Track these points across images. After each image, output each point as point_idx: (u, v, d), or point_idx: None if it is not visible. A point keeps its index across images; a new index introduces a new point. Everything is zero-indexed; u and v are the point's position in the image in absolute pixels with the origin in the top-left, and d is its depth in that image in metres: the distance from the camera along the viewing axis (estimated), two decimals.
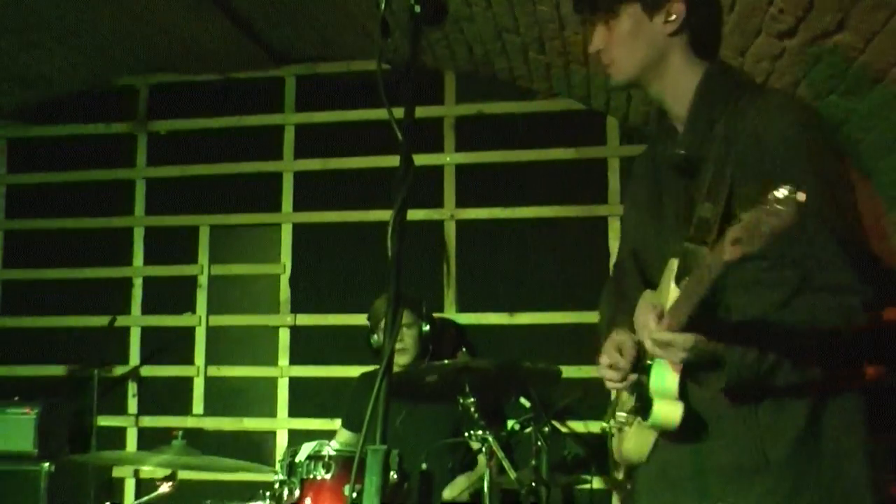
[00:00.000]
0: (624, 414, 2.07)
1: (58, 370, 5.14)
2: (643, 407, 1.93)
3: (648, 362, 1.94)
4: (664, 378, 1.89)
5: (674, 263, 1.90)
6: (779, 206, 1.42)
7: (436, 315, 4.47)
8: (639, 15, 2.02)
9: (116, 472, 5.02)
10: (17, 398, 4.73)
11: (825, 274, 1.80)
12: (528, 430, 3.59)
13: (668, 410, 1.87)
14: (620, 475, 2.22)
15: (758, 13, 2.96)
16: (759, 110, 1.93)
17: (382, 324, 3.69)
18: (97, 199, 5.32)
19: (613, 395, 2.26)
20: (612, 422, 2.19)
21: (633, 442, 2.03)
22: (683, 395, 1.89)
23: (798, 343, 1.81)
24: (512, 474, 3.41)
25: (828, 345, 1.82)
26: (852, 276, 1.81)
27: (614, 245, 4.50)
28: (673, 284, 1.86)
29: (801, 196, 1.41)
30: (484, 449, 3.33)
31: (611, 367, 2.04)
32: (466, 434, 3.42)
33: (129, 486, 5.01)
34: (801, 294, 1.81)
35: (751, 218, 1.46)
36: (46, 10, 4.29)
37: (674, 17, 1.99)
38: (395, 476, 3.13)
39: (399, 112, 1.67)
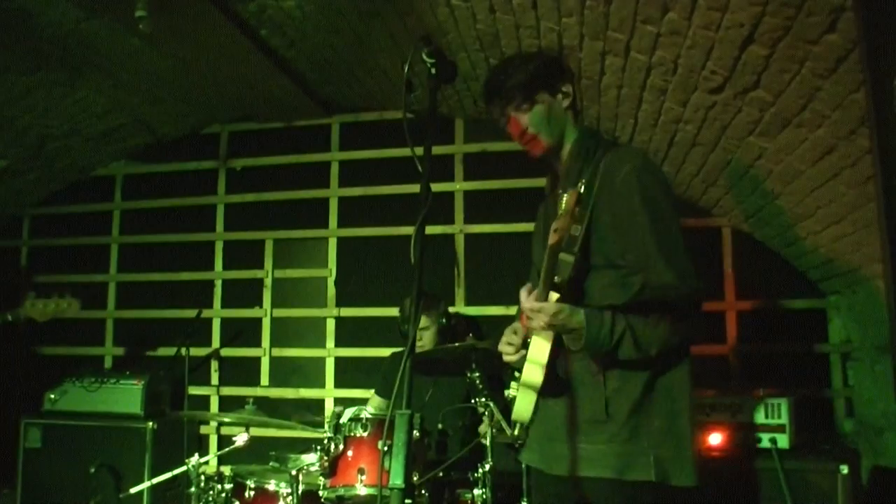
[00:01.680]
0: (515, 383, 2.14)
1: (159, 351, 5.28)
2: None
3: (528, 339, 2.05)
4: (539, 349, 1.99)
5: (545, 260, 2.02)
6: (566, 197, 1.84)
7: (449, 309, 4.51)
8: (549, 99, 2.19)
9: (203, 430, 5.14)
10: (128, 372, 4.82)
11: (656, 276, 1.98)
12: None
13: (533, 372, 1.97)
14: (517, 432, 2.26)
15: (694, 74, 3.02)
16: (612, 159, 2.12)
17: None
18: (187, 219, 5.45)
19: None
20: (510, 391, 2.23)
21: (519, 404, 2.07)
22: (552, 363, 1.99)
23: (639, 325, 1.96)
24: (509, 432, 3.39)
25: (658, 326, 1.97)
26: (674, 277, 1.97)
27: None
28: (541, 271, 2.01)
29: (581, 189, 1.84)
30: (487, 412, 3.33)
31: (508, 344, 2.17)
32: (473, 401, 3.42)
33: (213, 441, 5.12)
34: (641, 293, 1.99)
35: (560, 211, 1.84)
36: (167, 75, 4.46)
37: (567, 92, 2.21)
38: (418, 434, 3.23)
39: (420, 150, 1.80)
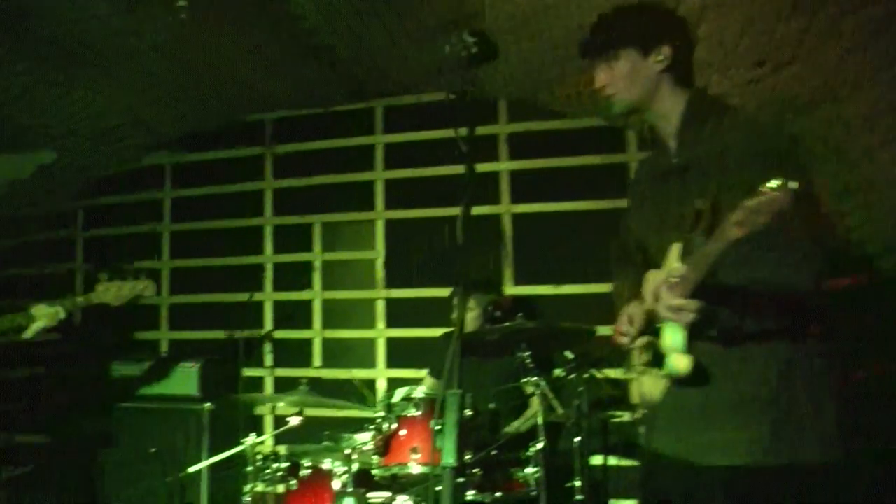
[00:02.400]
0: (640, 366, 2.08)
1: (213, 334, 5.32)
2: (658, 360, 1.97)
3: (658, 326, 1.97)
4: (674, 337, 1.90)
5: (676, 248, 1.94)
6: (776, 193, 1.52)
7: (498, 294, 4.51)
8: (636, 56, 2.05)
9: (258, 411, 5.21)
10: (184, 356, 4.92)
11: (796, 253, 1.84)
12: (571, 376, 3.55)
13: (679, 362, 1.90)
14: (641, 413, 2.26)
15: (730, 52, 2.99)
16: (737, 125, 1.97)
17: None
18: (236, 205, 5.52)
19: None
20: (631, 372, 2.21)
21: (650, 387, 2.05)
22: (689, 349, 1.90)
23: (774, 305, 1.86)
24: (560, 411, 3.55)
25: (798, 306, 1.88)
26: (817, 254, 1.85)
27: None
28: (678, 263, 1.90)
29: (794, 184, 1.52)
30: (537, 392, 3.34)
31: (622, 335, 2.10)
32: (524, 381, 3.42)
33: (268, 421, 5.19)
34: (778, 270, 1.85)
35: (752, 203, 1.54)
36: (205, 69, 4.52)
37: (662, 56, 2.04)
38: (469, 413, 3.22)
39: (463, 131, 1.80)
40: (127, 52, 4.05)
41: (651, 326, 2.03)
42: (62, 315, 3.50)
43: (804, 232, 1.85)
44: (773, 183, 1.54)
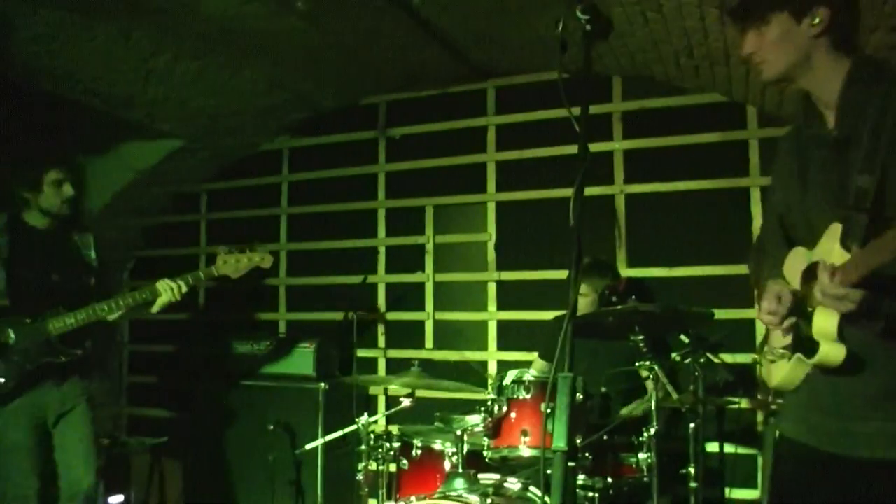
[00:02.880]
0: (780, 350, 1.98)
1: (329, 315, 5.46)
2: (806, 346, 1.86)
3: (810, 309, 1.86)
4: (827, 322, 1.79)
5: (837, 227, 1.79)
6: None
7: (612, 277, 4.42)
8: (787, 21, 1.91)
9: (371, 391, 5.30)
10: (300, 336, 5.09)
11: None
12: (687, 360, 3.53)
13: (833, 350, 1.80)
14: (769, 398, 2.19)
15: (876, 10, 2.75)
16: None
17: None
18: (350, 188, 5.60)
19: (764, 333, 2.17)
20: (766, 356, 2.10)
21: (787, 373, 1.95)
22: (841, 336, 1.79)
23: None
24: (674, 396, 3.48)
25: None
26: None
27: (755, 210, 4.41)
28: (838, 245, 1.76)
29: None
30: (651, 376, 3.30)
31: (769, 313, 1.96)
32: (637, 364, 3.41)
33: (381, 401, 5.28)
34: None
35: None
36: (321, 51, 4.58)
37: (818, 20, 1.88)
38: (581, 397, 3.20)
39: (577, 110, 1.76)
40: (286, 31, 4.21)
41: (798, 308, 1.93)
42: (185, 289, 3.70)
43: None
44: None
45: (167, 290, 3.66)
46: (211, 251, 5.75)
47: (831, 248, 1.78)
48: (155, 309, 3.73)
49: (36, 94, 4.56)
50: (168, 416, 6.04)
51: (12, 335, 3.51)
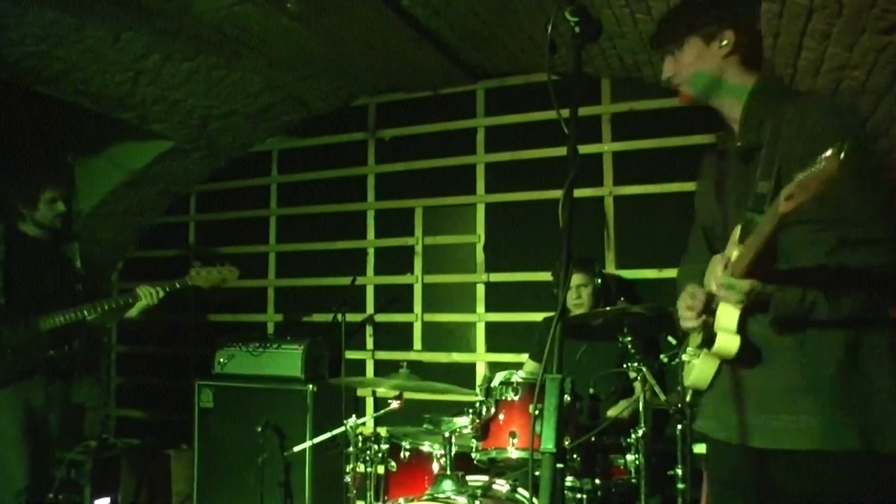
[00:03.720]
0: (692, 349, 2.08)
1: (317, 317, 5.48)
2: (709, 340, 1.95)
3: (714, 307, 1.97)
4: (727, 316, 1.91)
5: (737, 230, 1.90)
6: (824, 163, 1.43)
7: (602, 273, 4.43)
8: (699, 45, 2.06)
9: (360, 392, 5.28)
10: (289, 337, 5.10)
11: (859, 230, 1.79)
12: (675, 362, 3.34)
13: (728, 341, 1.90)
14: (688, 398, 2.23)
15: (863, 14, 2.81)
16: (800, 106, 1.93)
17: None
18: (340, 190, 5.60)
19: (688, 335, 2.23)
20: (684, 356, 2.19)
21: (698, 370, 2.02)
22: (742, 330, 1.90)
23: (833, 286, 1.80)
24: (662, 397, 3.44)
25: (858, 287, 1.81)
26: (883, 230, 1.80)
27: None
28: (737, 245, 1.86)
29: (842, 154, 1.41)
30: (639, 377, 3.32)
31: (687, 308, 2.06)
32: (626, 365, 3.40)
33: (370, 403, 5.28)
34: (839, 250, 1.80)
35: (801, 176, 1.48)
36: (313, 52, 4.56)
37: (725, 42, 2.04)
38: (569, 398, 3.20)
39: (566, 112, 1.75)
40: (278, 32, 4.22)
41: (710, 307, 2.01)
42: (161, 295, 4.03)
43: (867, 204, 1.82)
44: (825, 153, 1.45)
45: (146, 295, 3.99)
46: (198, 252, 5.83)
47: (733, 248, 1.89)
48: (134, 312, 4.08)
49: (26, 94, 4.55)
50: (158, 418, 6.02)
51: (5, 331, 3.75)
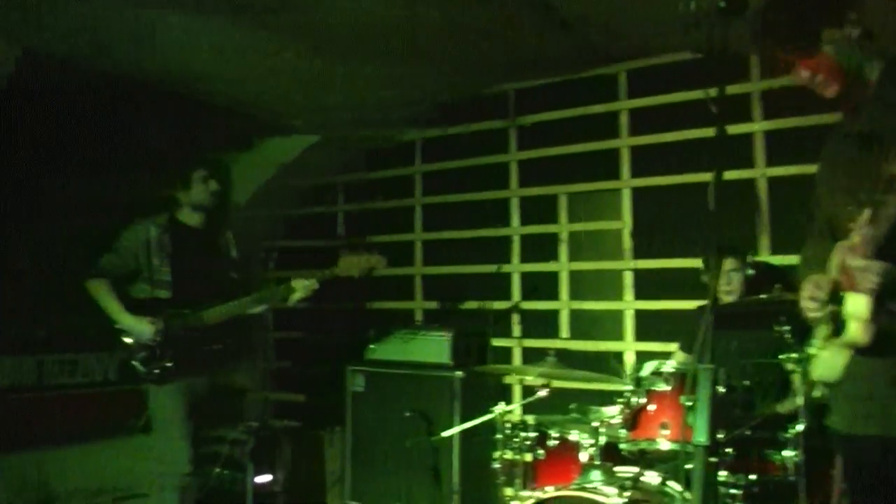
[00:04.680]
0: (820, 340, 2.04)
1: (464, 304, 5.55)
2: (838, 329, 1.91)
3: (842, 294, 1.91)
4: (857, 303, 1.85)
5: (865, 214, 1.85)
6: None
7: (755, 259, 4.27)
8: (835, 32, 1.98)
9: (507, 380, 5.30)
10: (437, 325, 5.18)
11: None
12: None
13: (861, 328, 1.84)
14: (818, 393, 2.30)
15: None
16: None
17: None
18: (483, 178, 5.62)
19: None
20: (811, 349, 2.15)
21: (828, 363, 1.99)
22: (873, 317, 1.84)
23: None
24: (823, 391, 3.35)
25: None
26: None
27: None
28: (866, 228, 1.83)
29: None
30: (797, 369, 3.14)
31: (811, 299, 2.01)
32: (782, 357, 3.24)
33: (517, 390, 5.26)
34: None
35: None
36: (449, 42, 4.59)
37: (854, 20, 1.98)
38: (723, 389, 3.14)
39: (713, 91, 1.77)
40: (416, 23, 4.26)
41: (836, 296, 1.96)
42: (316, 286, 4.10)
43: None
44: None
45: (301, 288, 4.06)
46: (346, 242, 6.03)
47: (861, 232, 1.86)
48: (290, 303, 4.14)
49: (181, 99, 4.83)
50: (311, 402, 6.28)
51: (175, 324, 3.94)
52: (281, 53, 4.49)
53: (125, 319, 3.93)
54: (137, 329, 3.90)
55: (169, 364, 3.91)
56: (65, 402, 5.30)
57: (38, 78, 4.23)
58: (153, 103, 4.96)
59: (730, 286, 3.98)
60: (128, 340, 3.96)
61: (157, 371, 3.92)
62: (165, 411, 3.97)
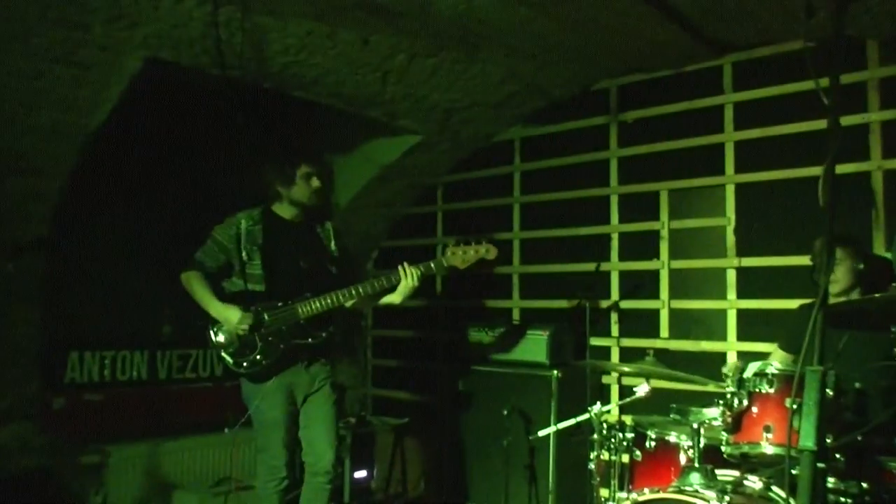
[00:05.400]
0: None
1: (562, 303, 5.48)
2: None
3: None
4: None
5: None
6: None
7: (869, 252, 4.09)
8: None
9: (605, 380, 5.25)
10: (534, 323, 5.16)
11: None
12: None
13: None
14: None
15: None
16: None
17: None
18: (582, 175, 5.56)
19: None
20: None
21: None
22: None
23: None
24: None
25: None
26: None
27: None
28: None
29: None
30: None
31: None
32: None
33: (615, 390, 5.20)
34: None
35: None
36: (551, 39, 4.56)
37: None
38: (832, 392, 2.92)
39: (825, 81, 1.63)
40: (516, 21, 4.25)
41: None
42: (419, 273, 3.93)
43: None
44: None
45: (406, 275, 3.90)
46: (445, 241, 6.06)
47: None
48: (397, 298, 4.00)
49: (287, 100, 4.96)
50: (409, 399, 6.34)
51: (267, 318, 3.87)
52: (394, 56, 4.56)
53: (215, 307, 3.85)
54: (225, 317, 3.82)
55: (259, 357, 3.85)
56: (177, 396, 5.53)
57: (156, 82, 4.40)
58: (263, 105, 5.12)
59: (834, 275, 3.81)
60: (219, 338, 3.88)
61: (245, 364, 3.86)
62: (263, 413, 3.91)
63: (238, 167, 5.15)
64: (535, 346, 5.03)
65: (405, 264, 3.93)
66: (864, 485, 3.00)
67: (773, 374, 3.09)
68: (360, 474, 5.15)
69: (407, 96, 5.08)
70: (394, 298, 4.03)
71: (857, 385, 3.39)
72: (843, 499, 2.99)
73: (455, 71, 4.87)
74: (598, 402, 3.81)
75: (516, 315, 5.87)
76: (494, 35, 4.45)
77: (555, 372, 4.81)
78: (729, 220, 4.89)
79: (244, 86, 4.67)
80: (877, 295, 3.29)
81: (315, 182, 4.04)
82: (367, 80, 4.79)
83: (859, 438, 3.01)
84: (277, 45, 4.25)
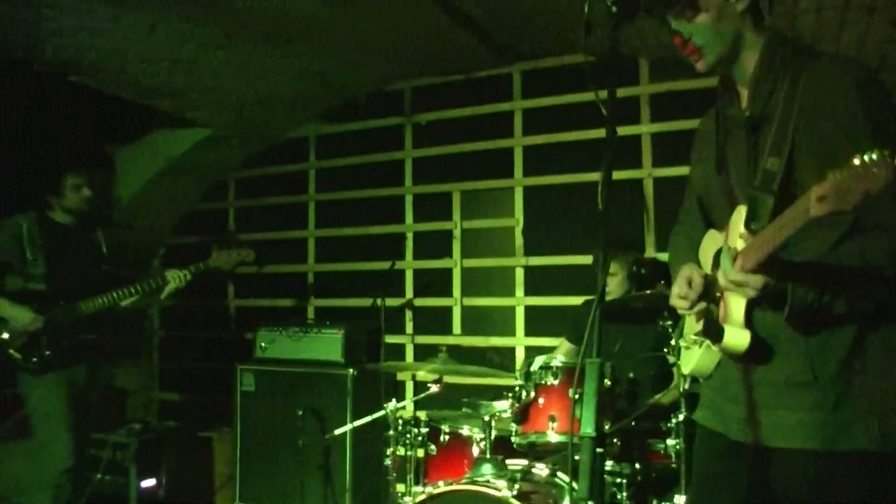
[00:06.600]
0: (693, 336, 1.95)
1: (357, 301, 5.48)
2: (713, 332, 1.80)
3: (718, 294, 1.86)
4: (733, 308, 1.78)
5: (741, 210, 1.76)
6: (874, 170, 1.22)
7: (643, 257, 4.42)
8: (717, 2, 1.81)
9: (399, 377, 5.29)
10: (328, 322, 5.10)
11: (876, 215, 1.62)
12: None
13: (738, 337, 1.77)
14: (686, 385, 2.23)
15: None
16: (817, 72, 1.75)
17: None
18: (377, 175, 5.60)
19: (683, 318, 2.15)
20: (682, 341, 2.10)
21: (699, 360, 1.93)
22: (749, 323, 1.77)
23: (850, 280, 1.66)
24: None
25: (876, 279, 1.66)
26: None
27: None
28: (742, 228, 1.72)
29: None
30: (679, 362, 3.33)
31: (681, 297, 1.91)
32: (665, 350, 3.34)
33: (409, 387, 5.23)
34: (854, 234, 1.65)
35: (841, 178, 1.27)
36: (347, 37, 4.55)
37: None
38: (609, 382, 3.16)
39: (603, 93, 1.70)
40: (311, 16, 4.22)
41: (709, 293, 1.89)
42: (189, 277, 4.25)
43: None
44: (872, 155, 1.22)
45: (175, 278, 4.20)
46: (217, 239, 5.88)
47: (737, 232, 1.74)
48: (164, 296, 4.28)
49: (64, 85, 4.60)
50: (200, 401, 6.10)
51: (49, 314, 3.98)
52: (184, 45, 4.36)
53: (4, 307, 3.95)
54: (14, 315, 3.93)
55: (48, 353, 3.95)
56: None
57: None
58: (46, 90, 4.73)
59: (607, 288, 4.05)
60: (3, 336, 3.94)
61: (35, 360, 3.94)
62: (46, 403, 3.96)
63: (21, 154, 4.74)
64: (329, 346, 5.00)
65: (174, 270, 4.24)
66: (637, 465, 3.26)
67: (557, 367, 3.26)
68: (148, 483, 4.89)
69: (197, 87, 4.87)
70: (164, 297, 4.33)
71: (631, 375, 3.64)
72: (618, 479, 3.23)
73: (248, 64, 4.73)
74: (394, 399, 3.85)
75: (311, 314, 5.83)
76: (288, 29, 4.36)
77: (350, 370, 4.80)
78: (517, 221, 5.11)
79: (27, 68, 4.32)
80: (647, 292, 3.59)
81: (85, 191, 4.17)
82: (154, 68, 4.55)
83: (632, 424, 3.25)
84: (52, 23, 3.93)
